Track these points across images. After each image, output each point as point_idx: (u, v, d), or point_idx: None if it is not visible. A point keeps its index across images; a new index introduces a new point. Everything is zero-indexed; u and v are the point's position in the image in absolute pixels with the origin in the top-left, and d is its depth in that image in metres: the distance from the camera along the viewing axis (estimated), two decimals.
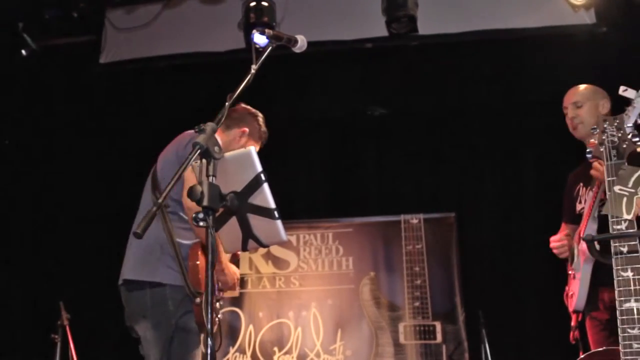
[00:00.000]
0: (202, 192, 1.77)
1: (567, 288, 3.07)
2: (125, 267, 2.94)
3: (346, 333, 5.08)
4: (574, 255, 3.00)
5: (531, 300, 4.90)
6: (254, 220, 2.15)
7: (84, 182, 5.52)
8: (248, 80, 2.08)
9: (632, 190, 2.10)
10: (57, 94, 5.46)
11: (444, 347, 4.87)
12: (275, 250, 5.32)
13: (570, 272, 3.04)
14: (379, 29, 4.78)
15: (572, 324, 2.98)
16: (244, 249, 2.27)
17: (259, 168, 2.11)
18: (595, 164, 2.61)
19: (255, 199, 2.11)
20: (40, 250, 5.42)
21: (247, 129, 3.13)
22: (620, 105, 2.45)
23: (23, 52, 4.96)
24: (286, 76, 5.08)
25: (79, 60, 5.24)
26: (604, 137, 2.28)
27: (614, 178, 2.18)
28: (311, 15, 4.98)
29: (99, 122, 5.53)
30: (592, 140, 2.34)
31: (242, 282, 5.22)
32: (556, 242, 3.12)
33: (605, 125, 2.30)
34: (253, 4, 4.65)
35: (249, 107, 3.20)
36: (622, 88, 2.37)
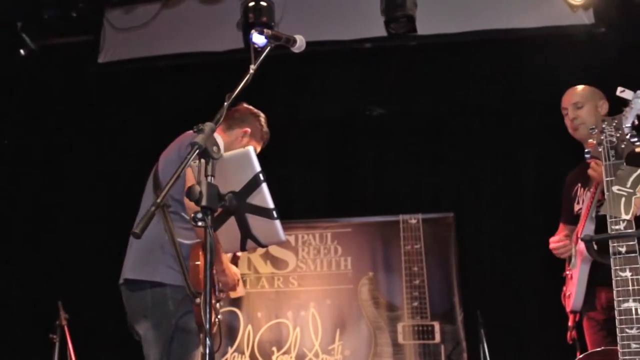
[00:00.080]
0: (200, 192, 1.77)
1: (564, 288, 3.07)
2: (126, 266, 2.93)
3: (345, 333, 5.07)
4: (572, 255, 3.00)
5: (530, 300, 4.90)
6: (253, 220, 2.15)
7: (84, 182, 5.52)
8: (247, 80, 2.09)
9: (631, 191, 2.10)
10: (56, 93, 5.45)
11: (442, 347, 4.87)
12: (274, 250, 5.31)
13: (567, 272, 3.04)
14: (378, 29, 4.78)
15: (570, 324, 2.98)
16: (243, 249, 2.27)
17: (258, 168, 2.11)
18: (593, 164, 2.61)
19: (254, 199, 2.11)
20: (40, 250, 5.41)
21: (249, 129, 3.13)
22: (617, 106, 2.45)
23: (22, 52, 4.97)
24: (285, 76, 5.08)
25: (77, 60, 5.24)
26: (602, 138, 2.29)
27: (613, 178, 2.18)
28: (310, 15, 4.98)
29: (98, 122, 5.53)
30: (590, 140, 2.35)
31: None
32: (556, 242, 3.12)
33: (603, 126, 2.30)
34: (252, 3, 4.64)
35: (251, 107, 3.19)
36: (619, 89, 2.37)
